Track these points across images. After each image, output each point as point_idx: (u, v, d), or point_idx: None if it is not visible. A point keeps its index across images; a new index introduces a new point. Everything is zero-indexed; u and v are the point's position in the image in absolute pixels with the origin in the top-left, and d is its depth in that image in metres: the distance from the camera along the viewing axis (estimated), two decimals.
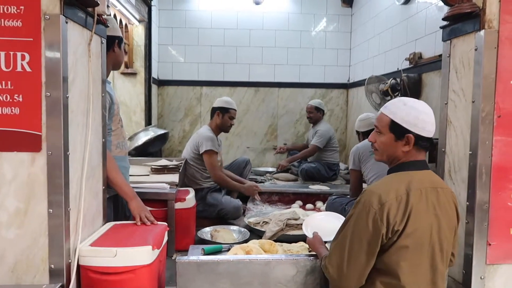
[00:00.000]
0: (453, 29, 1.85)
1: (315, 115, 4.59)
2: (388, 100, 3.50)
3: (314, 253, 1.74)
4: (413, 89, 3.28)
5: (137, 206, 1.97)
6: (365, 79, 3.75)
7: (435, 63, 3.01)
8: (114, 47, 2.11)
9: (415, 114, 1.39)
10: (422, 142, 1.41)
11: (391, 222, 1.31)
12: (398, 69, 3.60)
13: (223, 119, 3.39)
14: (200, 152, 3.25)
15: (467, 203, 1.74)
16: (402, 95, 3.37)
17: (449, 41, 1.89)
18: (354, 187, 3.13)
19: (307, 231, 1.93)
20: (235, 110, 3.47)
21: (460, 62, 1.81)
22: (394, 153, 1.45)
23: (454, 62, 1.86)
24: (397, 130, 1.41)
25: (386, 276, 1.35)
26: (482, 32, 1.65)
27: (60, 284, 1.37)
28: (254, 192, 3.46)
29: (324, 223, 2.03)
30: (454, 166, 1.86)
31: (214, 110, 3.44)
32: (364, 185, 3.74)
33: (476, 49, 1.68)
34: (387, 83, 3.47)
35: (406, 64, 3.48)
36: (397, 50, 3.83)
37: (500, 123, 1.68)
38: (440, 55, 2.86)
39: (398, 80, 3.37)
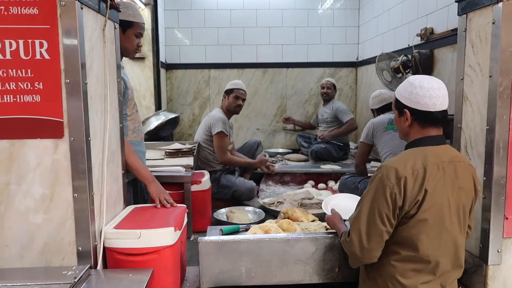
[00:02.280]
0: (469, 2, 1.82)
1: (332, 92, 4.64)
2: (400, 78, 3.48)
3: (332, 230, 1.77)
4: (425, 65, 3.25)
5: (156, 189, 2.01)
6: (374, 57, 3.71)
7: (448, 38, 2.96)
8: (224, 96, 2.11)
9: (410, 89, 1.44)
10: (422, 117, 1.43)
11: (408, 195, 1.34)
12: (409, 45, 3.55)
13: (229, 100, 3.40)
14: (212, 134, 3.27)
15: (484, 178, 1.74)
16: (413, 72, 3.34)
17: (465, 15, 1.86)
18: (360, 160, 3.17)
19: (327, 210, 1.96)
20: (242, 90, 3.45)
21: (476, 36, 1.79)
22: (402, 129, 1.51)
23: (470, 36, 1.83)
24: (398, 106, 1.49)
25: (404, 248, 1.39)
26: (500, 5, 1.62)
27: (88, 265, 1.42)
28: (265, 163, 3.52)
29: (344, 204, 2.06)
30: (470, 142, 1.85)
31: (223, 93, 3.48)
32: (376, 163, 3.76)
33: (493, 22, 1.66)
34: (398, 60, 3.43)
35: (417, 40, 3.43)
36: (408, 26, 3.77)
37: None
38: (453, 30, 2.84)
39: (410, 56, 3.33)
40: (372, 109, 3.27)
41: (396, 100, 1.50)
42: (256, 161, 3.56)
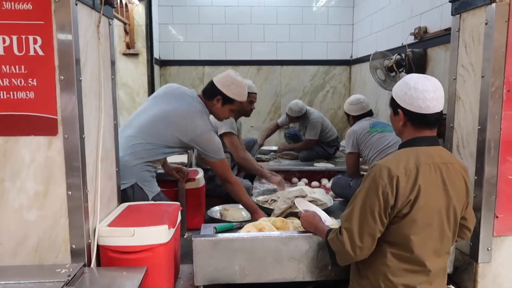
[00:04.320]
0: (462, 2, 1.84)
1: (298, 119, 4.37)
2: (393, 77, 3.50)
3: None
4: (418, 64, 3.27)
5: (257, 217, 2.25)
6: (368, 55, 3.72)
7: (441, 37, 2.99)
8: (214, 100, 2.27)
9: (405, 90, 1.42)
10: (415, 118, 1.42)
11: (400, 194, 1.34)
12: (402, 44, 3.58)
13: (243, 104, 3.30)
14: (218, 134, 3.23)
15: (475, 177, 1.76)
16: (407, 71, 3.36)
17: (458, 15, 1.87)
18: (351, 170, 3.18)
19: (300, 207, 1.95)
20: (256, 93, 3.31)
21: (469, 36, 1.80)
22: (396, 128, 1.51)
23: (463, 36, 1.85)
24: (393, 105, 1.49)
25: (397, 248, 1.40)
26: (493, 5, 1.64)
27: (82, 263, 1.41)
28: (280, 183, 3.24)
29: (314, 209, 2.06)
30: (462, 141, 1.88)
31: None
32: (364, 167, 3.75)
33: (486, 23, 1.68)
34: (391, 58, 3.45)
35: (411, 39, 3.45)
36: (402, 24, 3.79)
37: (509, 98, 1.69)
38: (446, 29, 2.87)
39: (403, 55, 3.35)
40: (347, 114, 3.24)
41: (392, 99, 1.50)
42: (269, 175, 3.26)
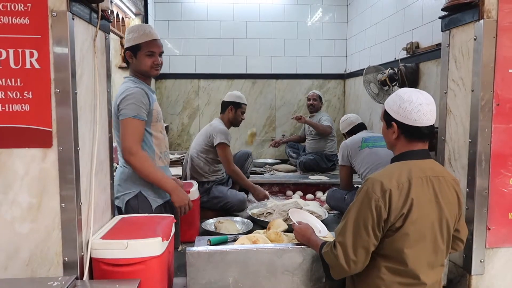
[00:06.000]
0: (452, 19, 1.88)
1: (318, 103, 4.70)
2: (386, 90, 3.55)
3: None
4: (411, 79, 3.32)
5: (177, 198, 2.11)
6: (362, 69, 3.77)
7: (433, 52, 3.04)
8: (128, 59, 2.20)
9: (399, 103, 1.45)
10: (409, 131, 1.44)
11: (393, 208, 1.36)
12: (395, 58, 3.63)
13: (235, 114, 3.42)
14: (214, 144, 3.25)
15: (467, 189, 1.78)
16: (400, 85, 3.41)
17: (448, 31, 1.92)
18: (344, 182, 3.23)
19: (294, 219, 1.96)
20: (246, 104, 3.51)
21: (459, 51, 1.85)
22: (389, 141, 1.53)
23: (453, 51, 1.89)
24: (387, 118, 1.50)
25: (391, 261, 1.40)
26: (481, 22, 1.68)
27: (74, 276, 1.40)
28: (262, 199, 3.36)
29: (310, 219, 2.07)
30: (454, 154, 1.90)
31: (226, 104, 3.44)
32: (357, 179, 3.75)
33: (475, 39, 1.72)
34: (384, 73, 3.50)
35: (403, 54, 3.51)
36: (394, 39, 3.86)
37: (498, 111, 1.72)
38: (437, 44, 2.92)
39: (396, 70, 3.40)
40: (343, 134, 3.43)
41: (385, 112, 1.52)
42: (258, 191, 3.34)
